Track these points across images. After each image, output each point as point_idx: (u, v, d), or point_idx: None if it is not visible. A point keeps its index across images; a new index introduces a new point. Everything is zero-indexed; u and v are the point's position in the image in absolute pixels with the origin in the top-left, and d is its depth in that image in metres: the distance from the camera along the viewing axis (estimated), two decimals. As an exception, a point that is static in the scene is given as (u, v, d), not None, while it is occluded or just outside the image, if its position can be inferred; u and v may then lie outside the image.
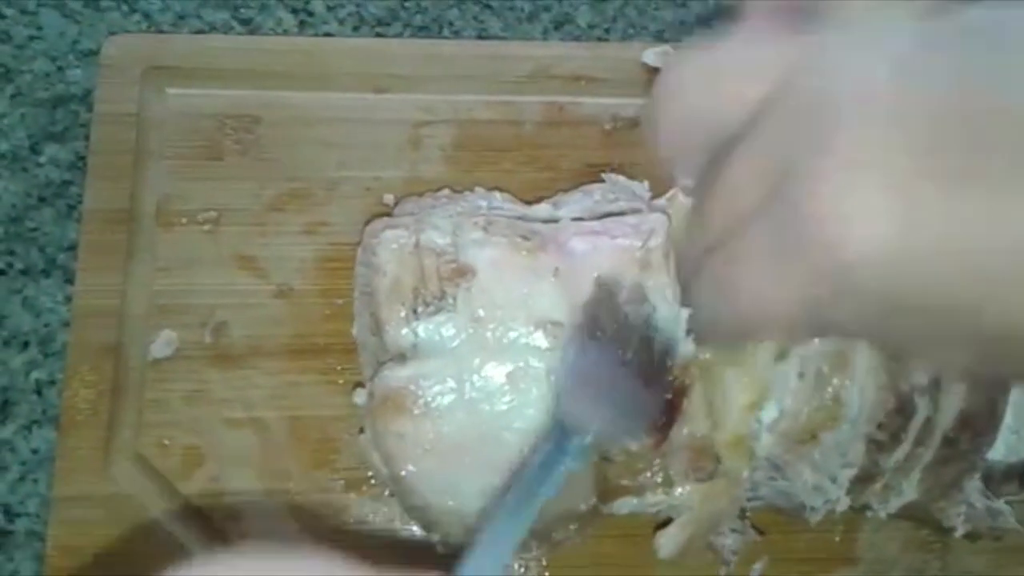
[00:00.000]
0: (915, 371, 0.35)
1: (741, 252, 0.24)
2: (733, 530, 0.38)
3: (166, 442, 0.40)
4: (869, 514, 0.38)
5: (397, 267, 0.34)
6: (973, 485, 0.39)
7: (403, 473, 0.32)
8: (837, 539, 0.40)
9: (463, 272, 0.33)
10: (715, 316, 0.26)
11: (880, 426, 0.36)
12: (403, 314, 0.33)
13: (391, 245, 0.34)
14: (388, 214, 0.41)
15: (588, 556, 0.39)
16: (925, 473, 0.36)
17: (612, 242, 0.34)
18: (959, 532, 0.39)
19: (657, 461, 0.34)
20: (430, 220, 0.35)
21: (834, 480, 0.36)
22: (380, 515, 0.40)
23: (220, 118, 0.45)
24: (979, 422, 0.37)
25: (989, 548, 0.40)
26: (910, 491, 0.37)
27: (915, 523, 0.40)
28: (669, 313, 0.33)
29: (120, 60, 0.45)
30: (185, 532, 0.39)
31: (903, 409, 0.35)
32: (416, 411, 0.32)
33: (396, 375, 0.32)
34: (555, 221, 0.38)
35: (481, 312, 0.33)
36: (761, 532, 0.39)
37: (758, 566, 0.39)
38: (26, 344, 0.43)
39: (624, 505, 0.35)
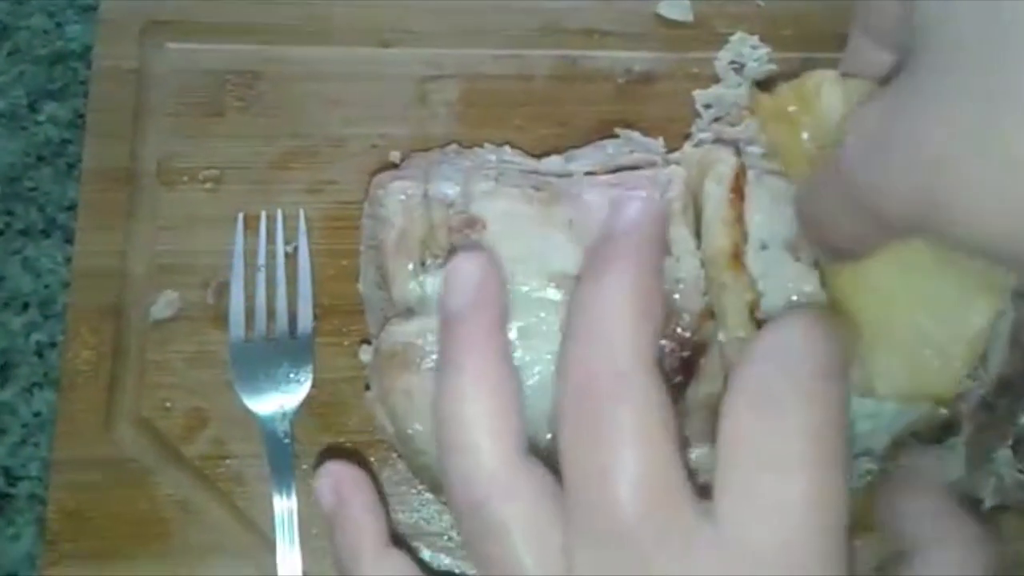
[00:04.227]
0: None
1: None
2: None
3: (168, 404, 0.39)
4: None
5: (404, 219, 0.32)
6: (1003, 456, 0.37)
7: (410, 432, 0.31)
8: (857, 504, 0.39)
9: (472, 223, 0.31)
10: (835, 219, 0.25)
11: None
12: (410, 267, 0.32)
13: (398, 196, 0.33)
14: (395, 171, 0.40)
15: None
16: (968, 447, 0.35)
17: (628, 194, 0.33)
18: (987, 504, 0.37)
19: (673, 421, 0.33)
20: (439, 171, 0.34)
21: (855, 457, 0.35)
22: (387, 478, 0.39)
23: (221, 74, 0.44)
24: (1018, 384, 0.35)
25: (1017, 517, 0.39)
26: (957, 468, 0.35)
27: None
28: (691, 265, 0.31)
29: (119, 15, 0.44)
30: (188, 495, 0.38)
31: None
32: (423, 367, 0.31)
33: (402, 330, 0.31)
34: (567, 175, 0.36)
35: (491, 265, 0.31)
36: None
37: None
38: (26, 306, 0.42)
39: (639, 467, 0.34)
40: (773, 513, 0.20)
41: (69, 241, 0.42)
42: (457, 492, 0.22)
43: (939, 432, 0.35)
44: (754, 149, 0.36)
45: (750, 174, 0.33)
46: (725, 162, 0.33)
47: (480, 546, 0.22)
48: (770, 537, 0.20)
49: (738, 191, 0.33)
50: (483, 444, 0.22)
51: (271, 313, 0.40)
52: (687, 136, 0.42)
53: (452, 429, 0.23)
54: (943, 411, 0.34)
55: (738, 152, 0.34)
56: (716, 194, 0.32)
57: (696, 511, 0.21)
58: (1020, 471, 0.37)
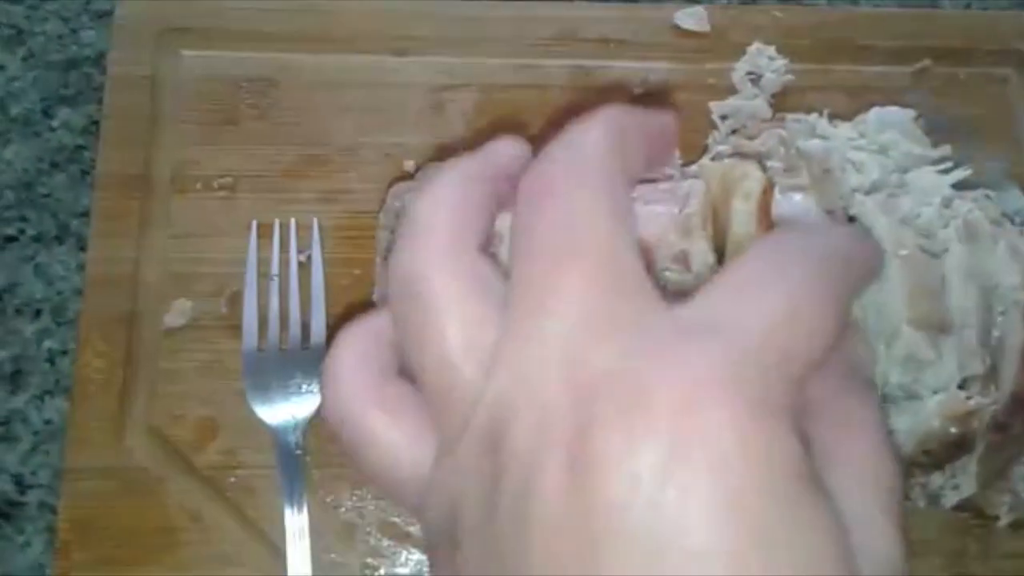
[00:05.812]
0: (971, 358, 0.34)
1: None
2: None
3: (179, 413, 0.39)
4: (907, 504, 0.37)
5: (420, 231, 0.32)
6: (1020, 473, 0.37)
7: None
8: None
9: (489, 236, 0.31)
10: None
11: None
12: (426, 280, 0.31)
13: (414, 208, 0.33)
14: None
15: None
16: (980, 464, 0.35)
17: (646, 208, 0.32)
18: (1003, 521, 0.37)
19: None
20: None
21: None
22: (399, 491, 0.38)
23: (236, 81, 0.44)
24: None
25: (1033, 533, 0.39)
26: (968, 485, 0.35)
27: (956, 508, 0.38)
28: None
29: (134, 21, 0.44)
30: (198, 505, 0.38)
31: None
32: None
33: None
34: (584, 187, 0.36)
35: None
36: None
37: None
38: (39, 312, 0.42)
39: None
40: (548, 302, 0.20)
41: (82, 248, 0.42)
42: (400, 261, 0.22)
43: (952, 450, 0.34)
44: (775, 164, 0.36)
45: (775, 190, 0.33)
46: (752, 178, 0.33)
47: (406, 310, 0.21)
48: (552, 326, 0.19)
49: (765, 208, 0.32)
50: (440, 225, 0.22)
51: (284, 322, 0.39)
52: (704, 148, 0.41)
53: (416, 211, 0.22)
54: (954, 430, 0.34)
55: (763, 167, 0.34)
56: (743, 211, 0.32)
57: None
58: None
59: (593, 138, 0.21)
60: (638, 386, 0.18)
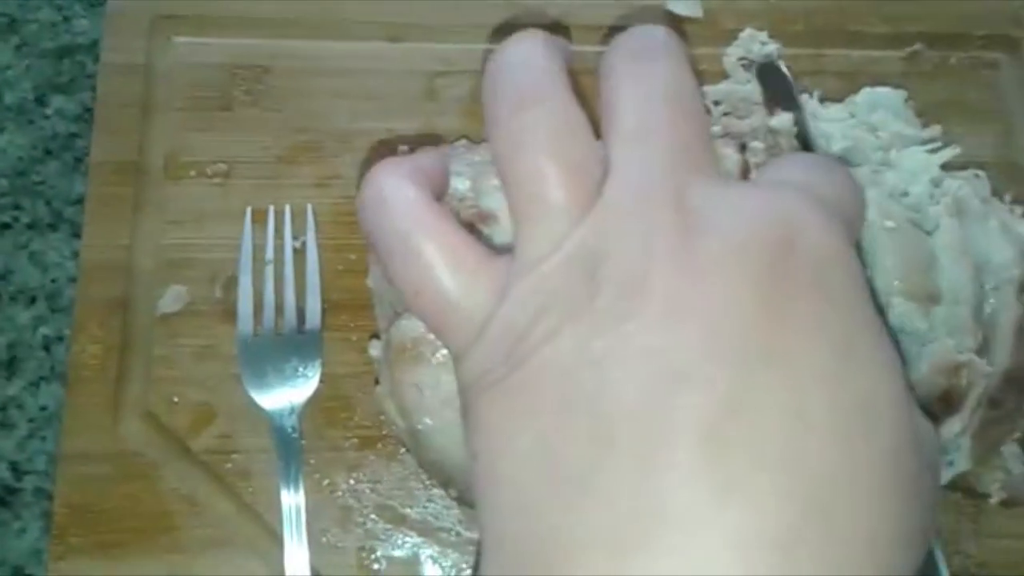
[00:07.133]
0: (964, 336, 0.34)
1: None
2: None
3: (175, 399, 0.39)
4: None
5: (414, 213, 0.32)
6: (1011, 451, 0.37)
7: (420, 427, 0.31)
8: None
9: (484, 218, 0.31)
10: None
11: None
12: (421, 261, 0.32)
13: (408, 190, 0.33)
14: (403, 166, 0.40)
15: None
16: (974, 441, 0.35)
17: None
18: (994, 499, 0.37)
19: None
20: (450, 167, 0.34)
21: None
22: (394, 473, 0.39)
23: (229, 68, 0.44)
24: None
25: (1024, 513, 0.39)
26: (962, 462, 0.35)
27: (947, 487, 0.39)
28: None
29: (127, 9, 0.44)
30: (194, 490, 0.38)
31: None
32: (434, 361, 0.30)
33: (413, 324, 0.31)
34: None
35: (502, 259, 0.31)
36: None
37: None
38: (33, 299, 0.42)
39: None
40: (643, 158, 0.21)
41: (77, 235, 0.42)
42: (514, 69, 0.23)
43: (940, 407, 0.34)
44: (757, 144, 0.36)
45: (754, 170, 0.33)
46: (728, 159, 0.33)
47: (514, 118, 0.23)
48: (658, 161, 0.21)
49: None
50: (545, 57, 0.23)
51: (279, 308, 0.40)
52: (696, 132, 0.42)
53: (515, 43, 0.24)
54: (942, 381, 0.34)
55: (742, 148, 0.34)
56: None
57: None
58: (1028, 464, 0.37)
59: (663, 31, 0.24)
60: (741, 211, 0.19)
